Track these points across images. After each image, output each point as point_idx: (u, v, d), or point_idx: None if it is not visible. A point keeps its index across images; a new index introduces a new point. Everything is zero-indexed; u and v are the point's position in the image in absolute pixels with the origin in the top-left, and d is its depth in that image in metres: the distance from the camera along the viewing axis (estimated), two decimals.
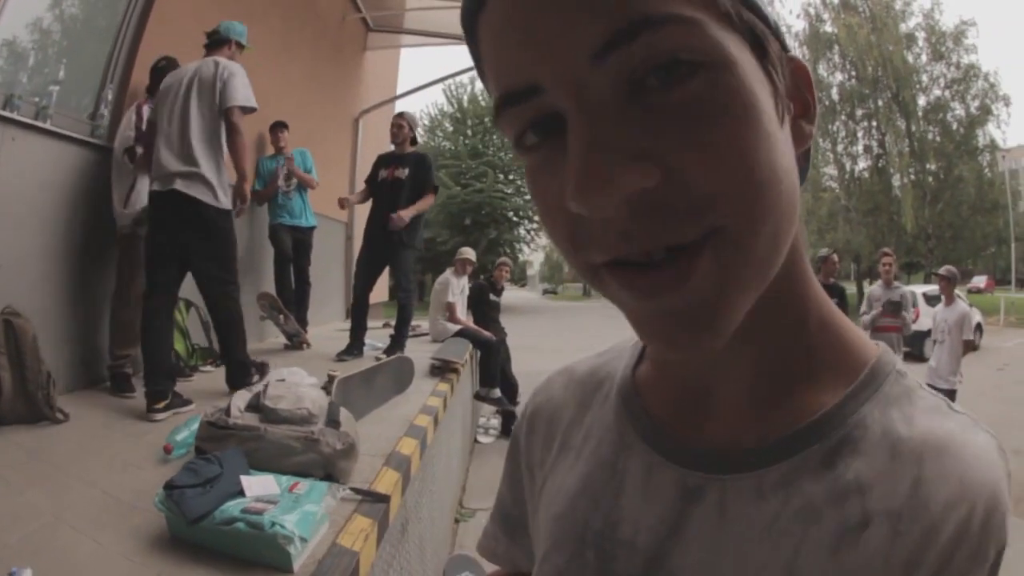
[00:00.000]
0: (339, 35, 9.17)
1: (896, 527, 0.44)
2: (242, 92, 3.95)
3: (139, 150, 4.21)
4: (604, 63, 0.36)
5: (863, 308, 6.95)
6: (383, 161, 5.93)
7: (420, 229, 5.85)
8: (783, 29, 0.46)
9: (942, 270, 6.63)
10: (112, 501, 2.58)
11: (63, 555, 2.15)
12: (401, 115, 5.92)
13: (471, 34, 0.44)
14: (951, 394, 5.90)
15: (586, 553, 0.55)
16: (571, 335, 19.48)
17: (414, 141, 5.95)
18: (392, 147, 5.94)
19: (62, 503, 2.56)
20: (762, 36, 0.42)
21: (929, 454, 0.46)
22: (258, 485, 2.30)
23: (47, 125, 3.96)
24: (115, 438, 3.41)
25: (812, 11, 30.14)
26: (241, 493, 2.25)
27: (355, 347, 5.76)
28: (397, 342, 5.80)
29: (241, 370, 4.16)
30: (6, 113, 3.65)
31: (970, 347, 6.40)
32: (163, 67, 4.45)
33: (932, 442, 0.46)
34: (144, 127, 4.24)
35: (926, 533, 0.43)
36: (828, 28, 29.62)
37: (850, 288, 30.18)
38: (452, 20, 9.42)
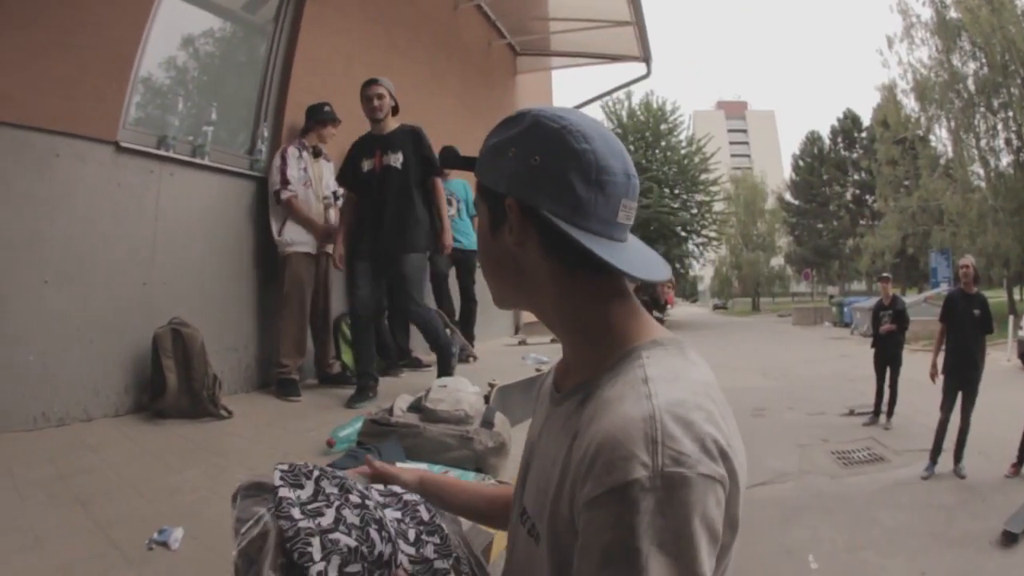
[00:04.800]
0: (487, 62, 9.39)
1: (577, 440, 0.83)
2: None
3: (283, 195, 4.70)
4: None
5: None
6: (364, 147, 4.68)
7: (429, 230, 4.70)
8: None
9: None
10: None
11: (217, 521, 2.28)
12: (377, 82, 4.62)
13: None
14: None
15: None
16: (736, 350, 18.75)
17: (395, 111, 4.73)
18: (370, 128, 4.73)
19: (220, 481, 2.78)
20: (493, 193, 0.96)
21: (601, 406, 0.81)
22: None
23: (205, 161, 4.44)
24: (278, 433, 3.67)
25: None
26: None
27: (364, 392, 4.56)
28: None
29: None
30: (161, 152, 4.15)
31: None
32: (322, 109, 5.01)
33: (608, 400, 0.81)
34: (287, 172, 4.72)
35: (580, 449, 0.80)
36: (953, 14, 27.11)
37: (999, 296, 27.30)
38: (597, 40, 9.49)
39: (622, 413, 0.76)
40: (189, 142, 4.41)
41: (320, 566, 0.98)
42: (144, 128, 4.14)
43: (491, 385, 3.83)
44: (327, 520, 1.05)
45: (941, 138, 30.16)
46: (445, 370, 4.44)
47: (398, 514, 1.17)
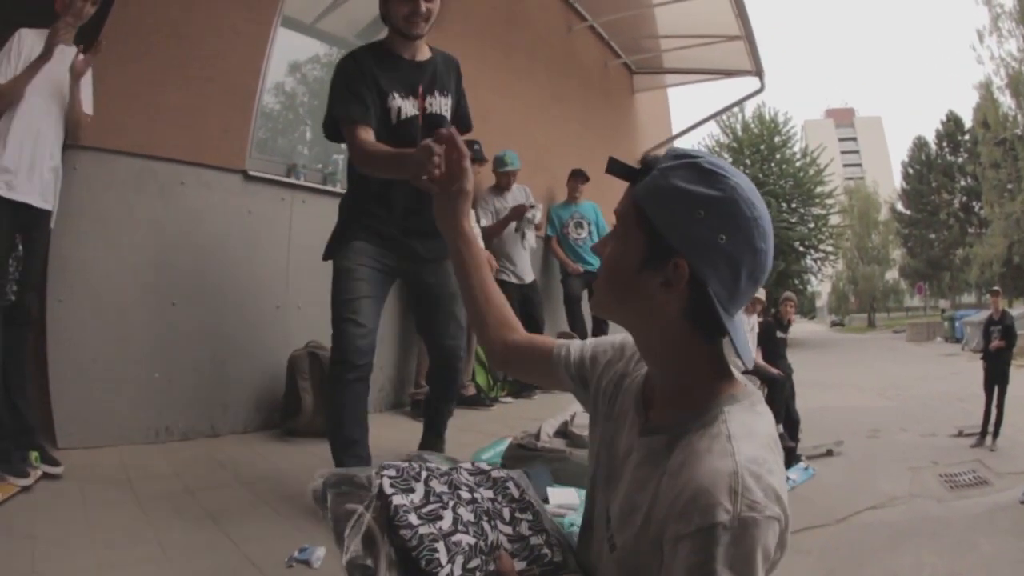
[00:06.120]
0: (605, 81, 9.29)
1: (667, 479, 0.93)
2: None
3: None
4: None
5: None
6: (394, 75, 2.78)
7: None
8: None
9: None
10: None
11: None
12: None
13: None
14: None
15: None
16: (853, 370, 18.09)
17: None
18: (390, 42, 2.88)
19: None
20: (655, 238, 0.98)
21: (692, 456, 0.91)
22: (561, 495, 2.48)
23: (336, 188, 4.48)
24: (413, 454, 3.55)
25: None
26: (545, 500, 2.36)
27: None
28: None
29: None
30: (291, 180, 4.23)
31: None
32: (471, 147, 4.99)
33: (698, 452, 0.91)
34: None
35: (673, 489, 0.90)
36: None
37: None
38: (709, 56, 9.32)
39: (711, 466, 0.88)
40: (319, 170, 4.51)
41: (447, 568, 1.02)
42: (272, 156, 4.22)
43: None
44: (447, 523, 1.09)
45: None
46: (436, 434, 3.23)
47: (490, 493, 1.21)
